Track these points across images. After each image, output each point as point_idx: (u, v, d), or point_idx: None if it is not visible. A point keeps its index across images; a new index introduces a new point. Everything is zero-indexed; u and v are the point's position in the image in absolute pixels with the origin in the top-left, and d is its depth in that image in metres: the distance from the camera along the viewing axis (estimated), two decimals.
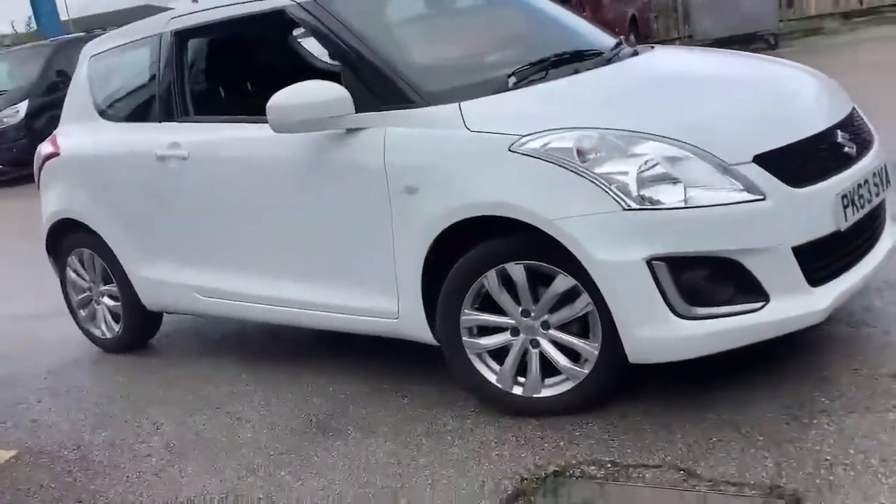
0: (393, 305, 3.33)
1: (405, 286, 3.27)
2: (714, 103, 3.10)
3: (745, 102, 3.13)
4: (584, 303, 2.93)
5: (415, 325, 3.31)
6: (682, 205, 2.73)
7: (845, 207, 2.92)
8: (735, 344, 2.82)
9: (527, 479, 2.73)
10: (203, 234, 3.96)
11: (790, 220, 2.80)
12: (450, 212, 3.03)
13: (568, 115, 2.97)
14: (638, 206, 2.74)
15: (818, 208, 2.86)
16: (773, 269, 2.78)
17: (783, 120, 3.04)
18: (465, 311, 3.11)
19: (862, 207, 2.99)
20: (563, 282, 2.93)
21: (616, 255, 2.75)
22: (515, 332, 3.09)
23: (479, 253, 3.04)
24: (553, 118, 2.96)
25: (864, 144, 3.17)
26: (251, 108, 3.87)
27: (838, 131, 3.07)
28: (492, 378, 3.15)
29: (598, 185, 2.77)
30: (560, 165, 2.83)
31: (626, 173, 2.77)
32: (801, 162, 2.89)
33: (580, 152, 2.83)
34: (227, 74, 4.66)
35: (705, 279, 2.78)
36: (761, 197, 2.74)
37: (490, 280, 3.03)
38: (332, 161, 3.35)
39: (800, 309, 2.81)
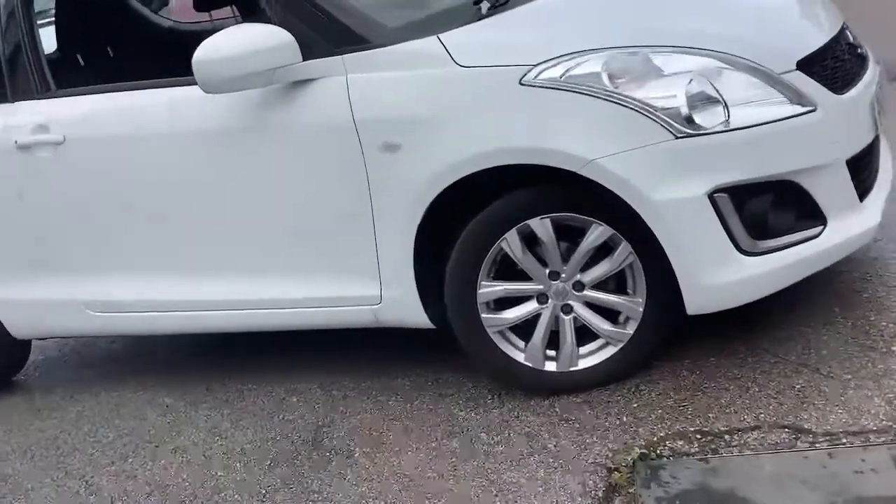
0: (373, 289, 2.76)
1: (390, 265, 2.71)
2: (724, 11, 2.72)
3: (753, 9, 2.78)
4: (624, 254, 2.51)
5: (404, 310, 2.76)
6: (737, 125, 2.35)
7: (877, 112, 2.66)
8: (799, 276, 2.52)
9: (615, 471, 2.28)
10: (96, 235, 3.15)
11: (841, 130, 2.51)
12: (452, 167, 2.49)
13: (578, 36, 2.50)
14: (691, 132, 2.33)
15: (860, 114, 2.60)
16: (829, 188, 2.48)
17: (801, 23, 2.75)
18: (483, 282, 2.60)
19: (883, 109, 2.75)
20: (599, 233, 2.50)
21: (675, 193, 2.35)
22: (543, 298, 2.62)
23: (497, 211, 2.53)
24: (562, 41, 2.48)
25: (862, 45, 2.93)
26: (146, 68, 3.12)
27: (847, 32, 2.81)
28: (519, 357, 2.67)
29: (641, 112, 2.35)
30: (590, 94, 2.37)
31: (672, 95, 2.35)
32: (835, 66, 2.60)
33: (611, 76, 2.37)
34: (102, 32, 3.79)
35: (768, 208, 2.43)
36: (813, 108, 2.42)
37: (511, 242, 2.54)
38: (280, 124, 2.70)
39: (856, 227, 2.54)
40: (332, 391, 3.06)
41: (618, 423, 2.49)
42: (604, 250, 2.55)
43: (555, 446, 2.46)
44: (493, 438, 2.56)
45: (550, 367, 2.67)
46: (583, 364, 2.66)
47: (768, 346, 2.68)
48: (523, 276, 2.61)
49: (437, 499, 2.36)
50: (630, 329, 2.61)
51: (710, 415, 2.43)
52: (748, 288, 2.46)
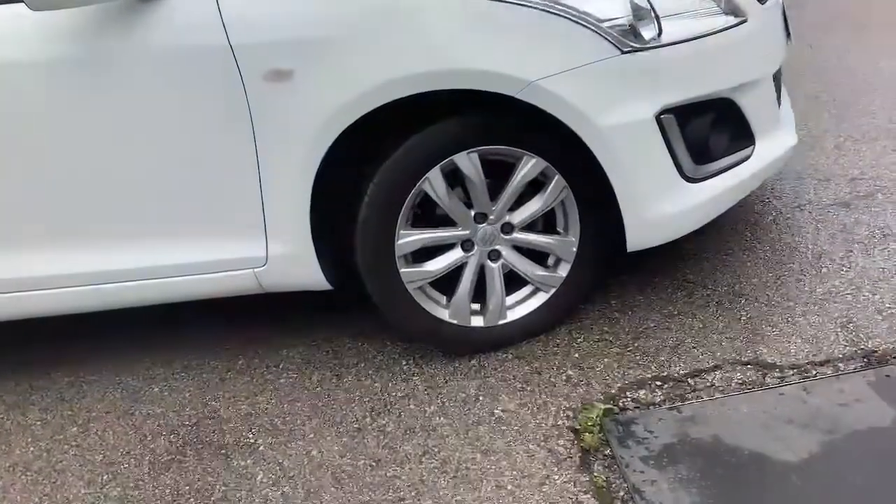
0: (258, 249, 2.30)
1: (280, 218, 2.26)
2: None
3: None
4: (558, 189, 2.24)
5: (296, 270, 2.33)
6: (677, 38, 2.13)
7: (789, 21, 2.56)
8: (733, 202, 2.39)
9: (584, 432, 2.03)
10: None
11: (767, 44, 2.36)
12: (360, 97, 2.07)
13: None
14: (637, 47, 2.08)
15: (778, 27, 2.46)
16: (759, 106, 2.34)
17: None
18: (402, 231, 2.22)
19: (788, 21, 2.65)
20: (531, 166, 2.20)
21: (623, 116, 2.10)
22: (468, 245, 2.29)
23: (417, 147, 2.16)
24: None
25: None
26: None
27: None
28: (443, 314, 2.33)
29: (582, 24, 2.05)
30: (524, 5, 2.04)
31: (614, 4, 2.07)
32: None
33: None
34: None
35: (708, 129, 2.25)
36: (744, 19, 2.24)
37: (434, 181, 2.18)
38: (131, 51, 2.12)
39: (780, 147, 2.44)
40: (203, 374, 2.57)
41: (564, 378, 2.23)
42: (531, 188, 2.26)
43: (502, 411, 2.16)
44: (425, 410, 2.22)
45: (477, 322, 2.36)
46: (511, 316, 2.38)
47: (693, 277, 2.53)
48: (445, 222, 2.26)
49: (384, 489, 1.99)
50: (562, 272, 2.35)
51: (662, 358, 2.23)
52: (690, 218, 2.28)
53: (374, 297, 2.30)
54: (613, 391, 2.15)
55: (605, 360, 2.26)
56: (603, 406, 2.08)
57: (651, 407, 2.07)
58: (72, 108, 2.16)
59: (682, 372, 2.17)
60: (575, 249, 2.32)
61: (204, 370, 2.58)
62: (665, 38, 2.11)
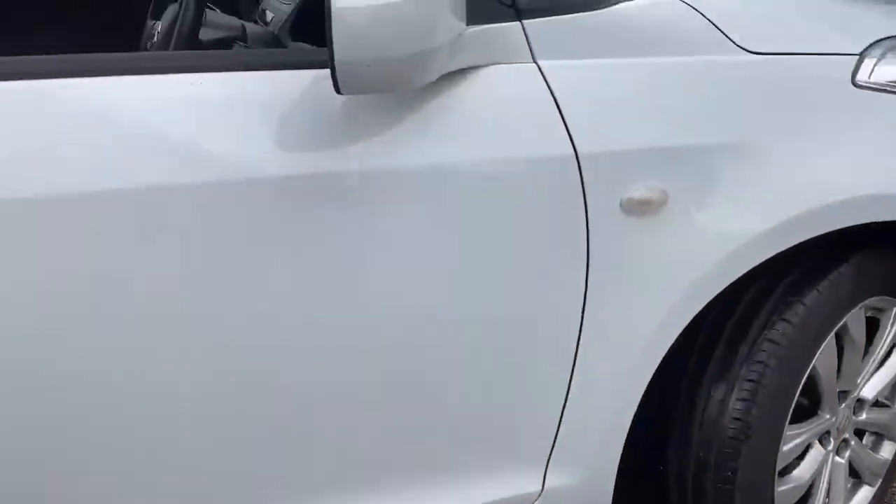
0: (527, 481, 1.41)
1: (583, 427, 1.40)
2: None
3: None
4: None
5: None
6: None
7: None
8: None
9: None
10: None
11: None
12: (769, 234, 1.35)
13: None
14: None
15: None
16: None
17: None
18: (787, 432, 1.51)
19: None
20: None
21: None
22: (824, 439, 1.63)
23: (823, 303, 1.47)
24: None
25: None
26: None
27: None
28: None
29: None
30: None
31: None
32: None
33: None
34: None
35: None
36: None
37: (827, 351, 1.51)
38: (396, 171, 1.17)
39: None
40: None
41: None
42: None
43: None
44: None
45: None
46: None
47: None
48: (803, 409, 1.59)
49: None
50: (886, 454, 1.78)
51: None
52: None
53: None
54: None
55: None
56: None
57: None
58: (288, 260, 1.16)
59: None
60: None
61: None
62: None
